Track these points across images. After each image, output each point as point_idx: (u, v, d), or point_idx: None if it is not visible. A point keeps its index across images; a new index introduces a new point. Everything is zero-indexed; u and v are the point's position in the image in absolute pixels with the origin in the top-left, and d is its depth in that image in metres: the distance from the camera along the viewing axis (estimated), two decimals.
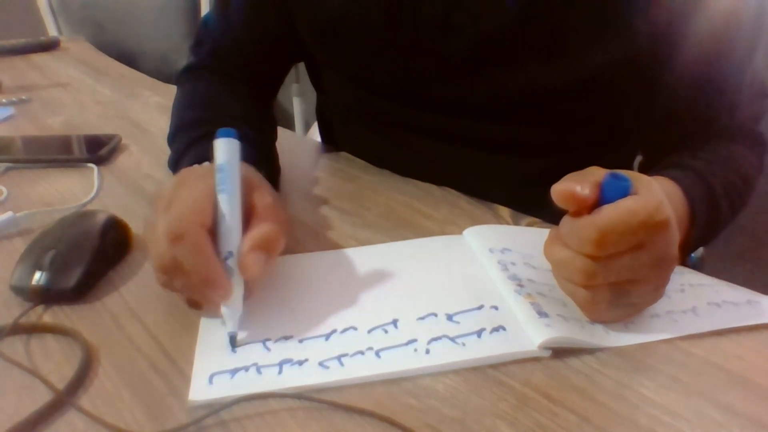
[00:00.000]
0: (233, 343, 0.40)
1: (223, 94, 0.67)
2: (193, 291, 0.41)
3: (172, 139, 0.63)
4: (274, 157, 0.65)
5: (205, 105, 0.66)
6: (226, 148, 0.42)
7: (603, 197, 0.37)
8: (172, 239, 0.38)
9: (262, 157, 0.57)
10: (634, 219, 0.36)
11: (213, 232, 0.41)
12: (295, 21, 0.66)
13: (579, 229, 0.37)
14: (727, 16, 0.54)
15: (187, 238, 0.38)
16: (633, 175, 0.38)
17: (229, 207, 0.41)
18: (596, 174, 0.38)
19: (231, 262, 0.40)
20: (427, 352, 0.39)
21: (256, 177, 0.46)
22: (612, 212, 0.36)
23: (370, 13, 0.59)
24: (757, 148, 0.60)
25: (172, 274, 0.40)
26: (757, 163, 0.60)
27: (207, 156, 0.50)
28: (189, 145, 0.57)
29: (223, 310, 0.40)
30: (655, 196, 0.37)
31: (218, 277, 0.39)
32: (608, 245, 0.36)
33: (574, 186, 0.37)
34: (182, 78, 0.72)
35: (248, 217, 0.42)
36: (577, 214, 0.37)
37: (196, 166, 0.48)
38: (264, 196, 0.44)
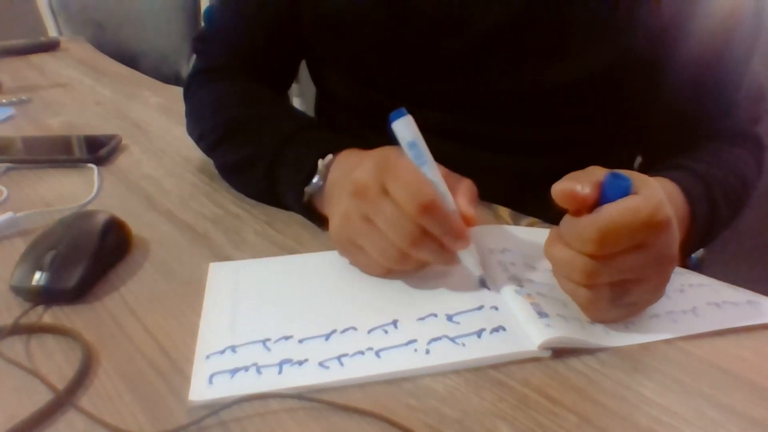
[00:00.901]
0: (485, 284, 0.45)
1: (265, 91, 0.66)
2: (438, 253, 0.43)
3: (232, 135, 0.61)
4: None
5: (266, 102, 0.64)
6: (411, 126, 0.44)
7: (604, 197, 0.37)
8: (423, 211, 0.40)
9: (348, 140, 0.56)
10: (635, 218, 0.36)
11: None
12: (301, 14, 0.65)
13: (580, 228, 0.37)
14: (727, 19, 0.54)
15: (434, 205, 0.41)
16: (633, 175, 0.38)
17: (435, 175, 0.44)
18: (597, 174, 0.38)
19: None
20: (427, 352, 0.39)
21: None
22: (613, 211, 0.36)
23: (371, 7, 0.59)
24: (756, 150, 0.60)
25: (421, 244, 0.42)
26: (756, 165, 0.60)
27: (330, 146, 0.52)
28: (292, 135, 0.56)
29: (466, 260, 0.45)
30: (656, 195, 0.37)
31: (464, 229, 0.43)
32: (609, 244, 0.36)
33: (575, 185, 0.37)
34: (197, 80, 0.70)
35: None
36: (578, 213, 0.37)
37: (378, 150, 0.46)
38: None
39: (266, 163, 0.56)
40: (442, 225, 0.41)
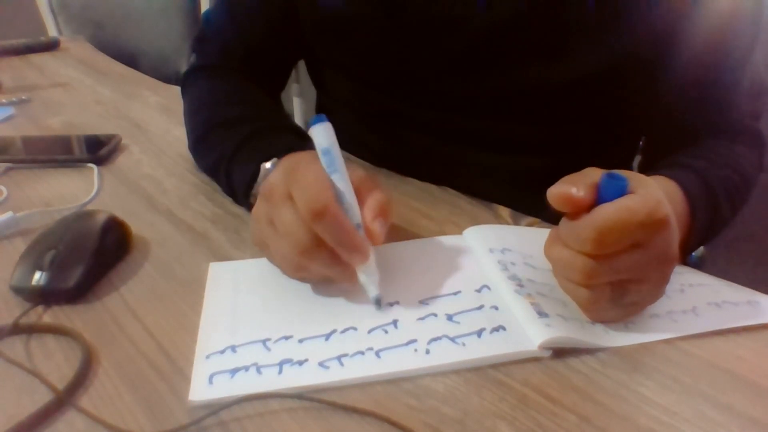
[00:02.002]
0: (379, 304, 0.43)
1: (246, 92, 0.67)
2: (333, 266, 0.42)
3: (203, 141, 0.62)
4: None
5: (236, 103, 0.64)
6: (327, 132, 0.44)
7: (601, 197, 0.37)
8: (314, 217, 0.40)
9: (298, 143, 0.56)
10: (633, 217, 0.36)
11: None
12: (298, 15, 0.66)
13: (578, 228, 0.37)
14: (727, 16, 0.54)
15: (328, 212, 0.40)
16: (630, 175, 0.38)
17: (345, 184, 0.43)
18: (592, 175, 0.38)
19: (361, 234, 0.43)
20: (427, 352, 0.39)
21: None
22: (610, 211, 0.36)
23: (369, 8, 0.59)
24: (757, 146, 0.60)
25: (310, 254, 0.41)
26: (757, 161, 0.60)
27: (276, 150, 0.52)
28: (243, 143, 0.56)
29: (363, 278, 0.43)
30: (654, 194, 0.37)
31: (360, 242, 0.41)
32: (607, 244, 0.36)
33: (569, 188, 0.37)
34: (190, 78, 0.71)
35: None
36: (575, 216, 0.37)
37: (295, 154, 0.48)
38: (356, 170, 0.46)
39: (224, 169, 0.58)
40: (336, 234, 0.40)
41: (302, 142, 0.52)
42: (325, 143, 0.44)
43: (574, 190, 0.37)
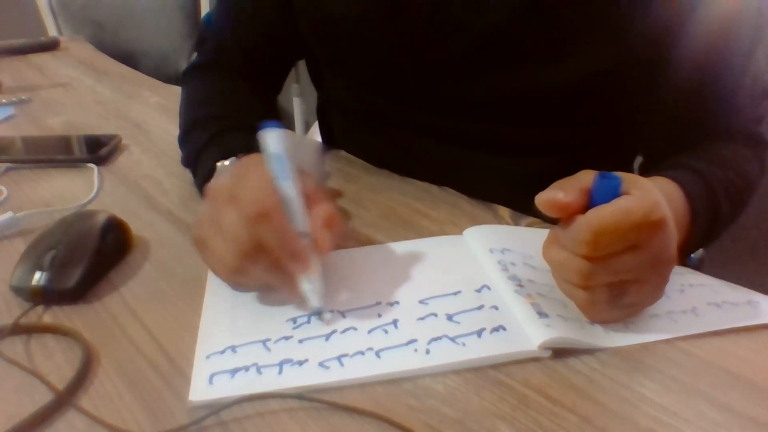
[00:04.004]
0: (320, 317, 0.42)
1: (231, 91, 0.68)
2: (273, 272, 0.41)
3: (185, 137, 0.63)
4: None
5: (216, 102, 0.66)
6: (278, 138, 0.44)
7: (594, 197, 0.37)
8: (255, 220, 0.39)
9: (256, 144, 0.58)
10: (628, 218, 0.36)
11: None
12: (297, 18, 0.66)
13: (574, 230, 0.37)
14: (727, 17, 0.54)
15: (270, 216, 0.40)
16: (626, 176, 0.38)
17: (294, 191, 0.43)
18: (583, 179, 0.38)
19: (305, 242, 0.42)
20: (427, 352, 0.39)
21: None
22: (605, 212, 0.36)
23: (368, 9, 0.59)
24: (758, 148, 0.60)
25: (251, 257, 0.40)
26: (758, 163, 0.60)
27: (235, 149, 0.52)
28: (209, 141, 0.57)
29: (306, 287, 0.41)
30: (651, 195, 0.37)
31: (302, 249, 0.41)
32: (603, 245, 0.36)
33: (556, 194, 0.37)
34: (187, 76, 0.72)
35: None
36: (567, 220, 0.37)
37: (245, 157, 0.48)
38: (307, 179, 0.45)
39: (192, 166, 0.59)
40: (278, 239, 0.40)
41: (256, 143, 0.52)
42: (274, 149, 0.43)
43: (561, 195, 0.37)
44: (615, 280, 0.38)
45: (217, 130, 0.58)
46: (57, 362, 0.39)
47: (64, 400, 0.36)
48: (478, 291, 0.45)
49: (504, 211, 0.58)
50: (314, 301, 0.42)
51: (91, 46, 1.35)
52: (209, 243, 0.43)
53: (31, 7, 1.73)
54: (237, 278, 0.43)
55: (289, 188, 0.42)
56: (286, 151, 0.43)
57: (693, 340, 0.40)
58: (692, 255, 0.84)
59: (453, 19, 0.56)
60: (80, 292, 0.45)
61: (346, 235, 0.50)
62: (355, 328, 0.41)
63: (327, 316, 0.42)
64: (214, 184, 0.44)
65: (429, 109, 0.63)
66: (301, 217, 0.42)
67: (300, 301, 0.42)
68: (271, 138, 0.43)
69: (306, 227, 0.42)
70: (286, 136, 0.44)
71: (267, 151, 0.43)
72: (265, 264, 0.41)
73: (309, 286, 0.42)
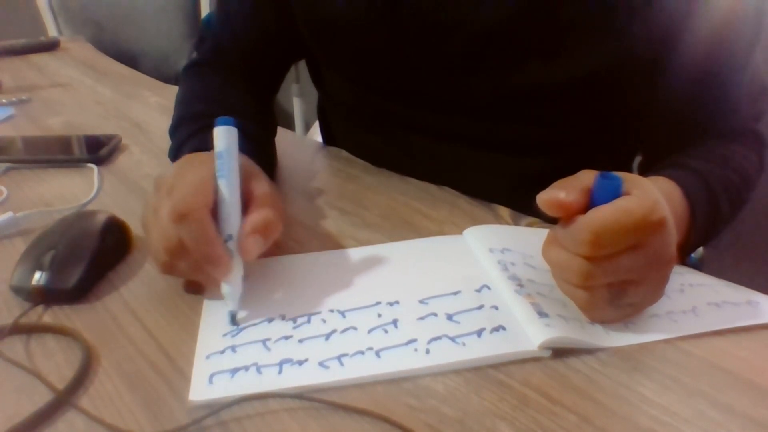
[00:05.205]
0: (233, 321, 0.42)
1: (222, 89, 0.68)
2: (195, 271, 0.42)
3: (173, 132, 0.63)
4: (271, 151, 0.67)
5: (205, 99, 0.66)
6: (225, 136, 0.43)
7: (595, 198, 0.37)
8: (177, 218, 0.40)
9: (260, 150, 0.58)
10: (628, 218, 0.36)
11: (214, 215, 0.42)
12: (295, 19, 0.66)
13: (574, 230, 0.37)
14: (727, 16, 0.54)
15: (191, 217, 0.40)
16: (626, 176, 0.38)
17: (229, 192, 0.42)
18: (584, 179, 0.38)
19: (231, 245, 0.42)
20: (427, 352, 0.39)
21: (254, 167, 0.47)
22: (606, 212, 0.36)
23: (366, 9, 0.59)
24: (758, 147, 0.60)
25: (175, 254, 0.41)
26: (758, 162, 0.60)
27: (206, 146, 0.51)
28: (189, 137, 0.58)
29: (224, 288, 0.42)
30: (650, 196, 0.37)
31: (220, 254, 0.41)
32: (603, 245, 0.36)
33: (558, 193, 0.37)
34: (184, 74, 0.73)
35: (246, 204, 0.44)
36: (567, 220, 0.37)
37: (196, 153, 0.49)
38: (261, 184, 0.45)
39: (173, 155, 0.60)
40: (195, 241, 0.40)
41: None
42: (220, 146, 0.43)
43: (562, 195, 0.37)
44: (615, 280, 0.38)
45: (199, 126, 0.58)
46: (57, 362, 0.39)
47: (64, 400, 0.36)
48: (478, 291, 0.45)
49: (504, 211, 0.58)
50: (229, 305, 0.42)
51: (91, 46, 1.35)
52: (148, 233, 0.44)
53: (31, 7, 1.73)
54: (167, 271, 0.43)
55: (224, 187, 0.42)
56: (230, 149, 0.43)
57: (693, 340, 0.40)
58: (692, 255, 0.84)
59: (452, 17, 0.56)
60: (80, 292, 0.45)
61: (278, 243, 0.50)
62: (355, 328, 0.41)
63: (241, 314, 0.42)
64: (162, 173, 0.44)
65: (429, 108, 0.63)
66: (230, 219, 0.42)
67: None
68: (219, 134, 0.43)
69: (234, 230, 0.42)
70: (236, 134, 0.43)
71: (215, 147, 0.43)
72: (189, 262, 0.41)
73: (227, 288, 0.42)
